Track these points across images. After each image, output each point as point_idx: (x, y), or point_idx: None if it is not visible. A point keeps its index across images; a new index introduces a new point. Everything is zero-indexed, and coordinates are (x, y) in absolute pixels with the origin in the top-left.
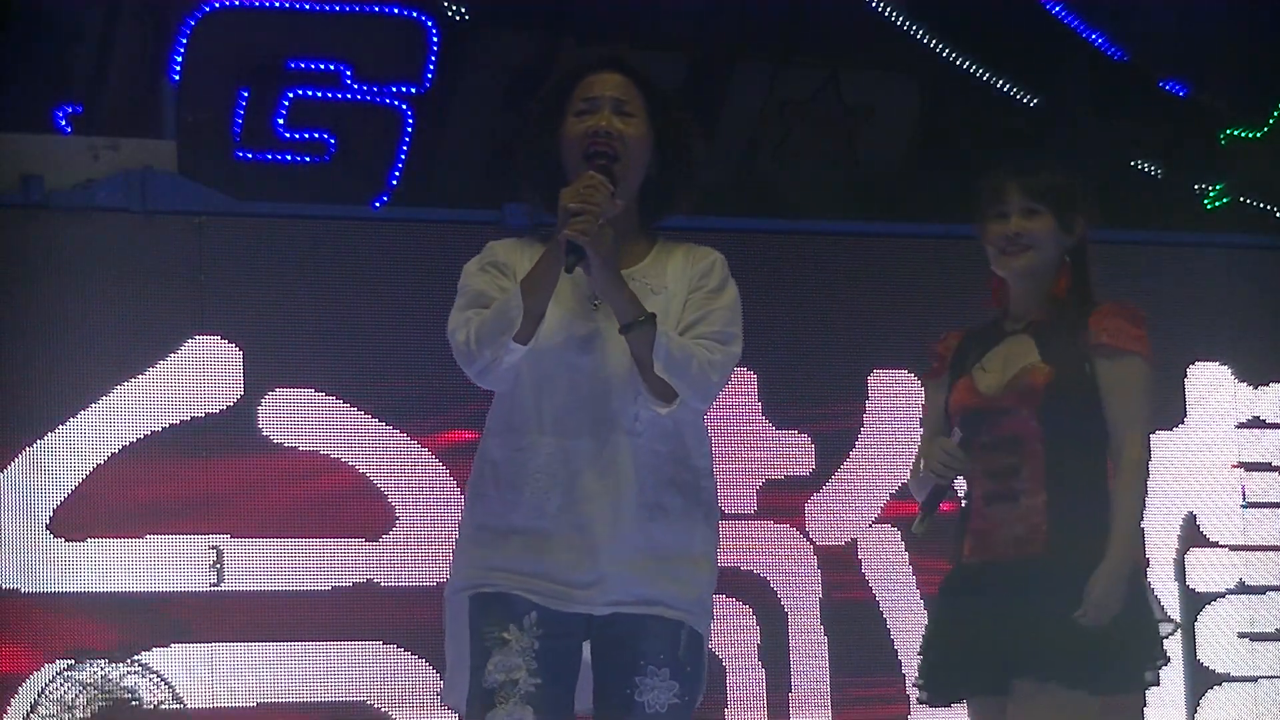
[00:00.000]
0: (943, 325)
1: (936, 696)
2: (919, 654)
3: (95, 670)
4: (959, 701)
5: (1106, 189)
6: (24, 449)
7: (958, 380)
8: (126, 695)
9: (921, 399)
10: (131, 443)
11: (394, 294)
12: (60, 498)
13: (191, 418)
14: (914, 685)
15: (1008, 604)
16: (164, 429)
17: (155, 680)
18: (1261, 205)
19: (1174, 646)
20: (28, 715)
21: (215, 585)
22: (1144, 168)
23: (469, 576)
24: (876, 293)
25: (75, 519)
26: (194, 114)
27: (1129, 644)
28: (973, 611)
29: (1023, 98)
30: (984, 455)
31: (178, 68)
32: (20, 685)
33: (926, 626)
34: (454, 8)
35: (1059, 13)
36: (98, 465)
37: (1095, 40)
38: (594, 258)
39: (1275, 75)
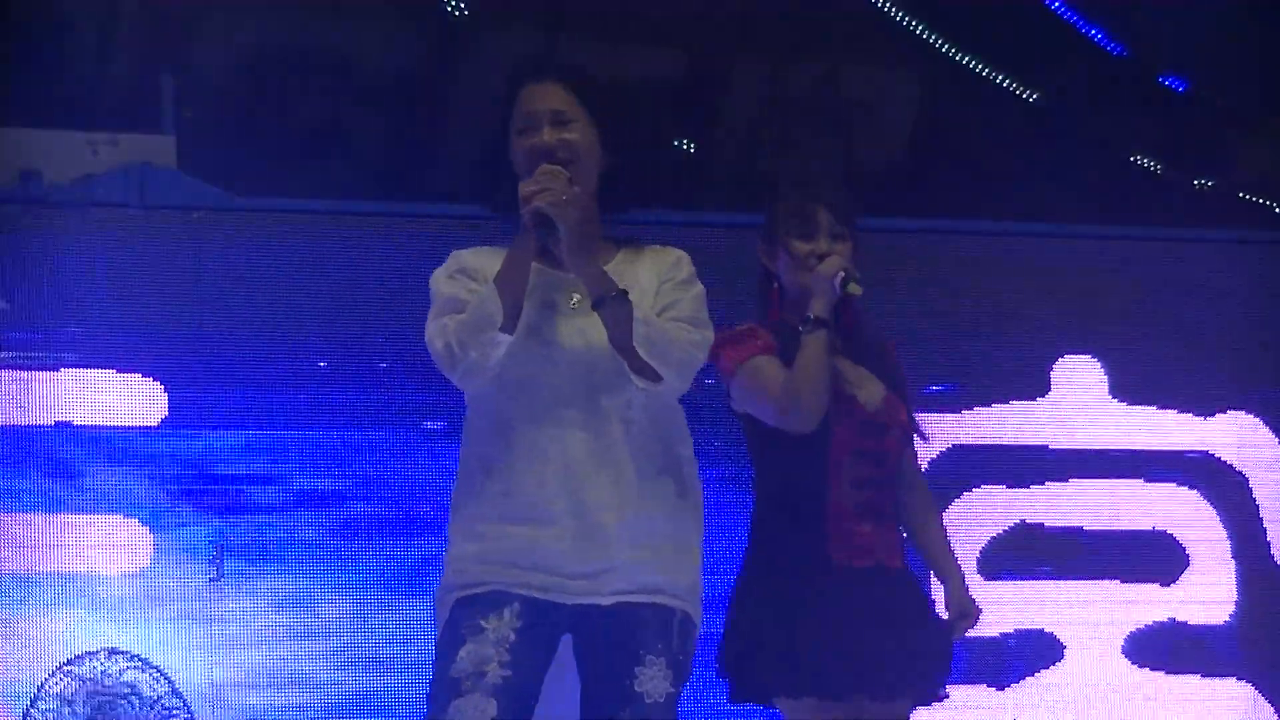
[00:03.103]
0: (939, 321)
1: (782, 692)
2: (765, 650)
3: (94, 665)
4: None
5: (1106, 184)
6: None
7: None
8: (125, 690)
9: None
10: (131, 438)
11: (393, 288)
12: (58, 490)
13: (191, 413)
14: (760, 680)
15: (896, 612)
16: (162, 423)
17: (154, 675)
18: (1262, 200)
19: None
20: (27, 711)
21: (215, 580)
22: (1143, 163)
23: (460, 576)
24: (875, 288)
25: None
26: (193, 109)
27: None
28: (862, 615)
29: (1022, 93)
30: (854, 467)
31: (177, 62)
32: (18, 681)
33: (776, 620)
34: (453, 2)
35: (1058, 8)
36: (97, 460)
37: (1095, 35)
38: (563, 227)
39: (1275, 70)
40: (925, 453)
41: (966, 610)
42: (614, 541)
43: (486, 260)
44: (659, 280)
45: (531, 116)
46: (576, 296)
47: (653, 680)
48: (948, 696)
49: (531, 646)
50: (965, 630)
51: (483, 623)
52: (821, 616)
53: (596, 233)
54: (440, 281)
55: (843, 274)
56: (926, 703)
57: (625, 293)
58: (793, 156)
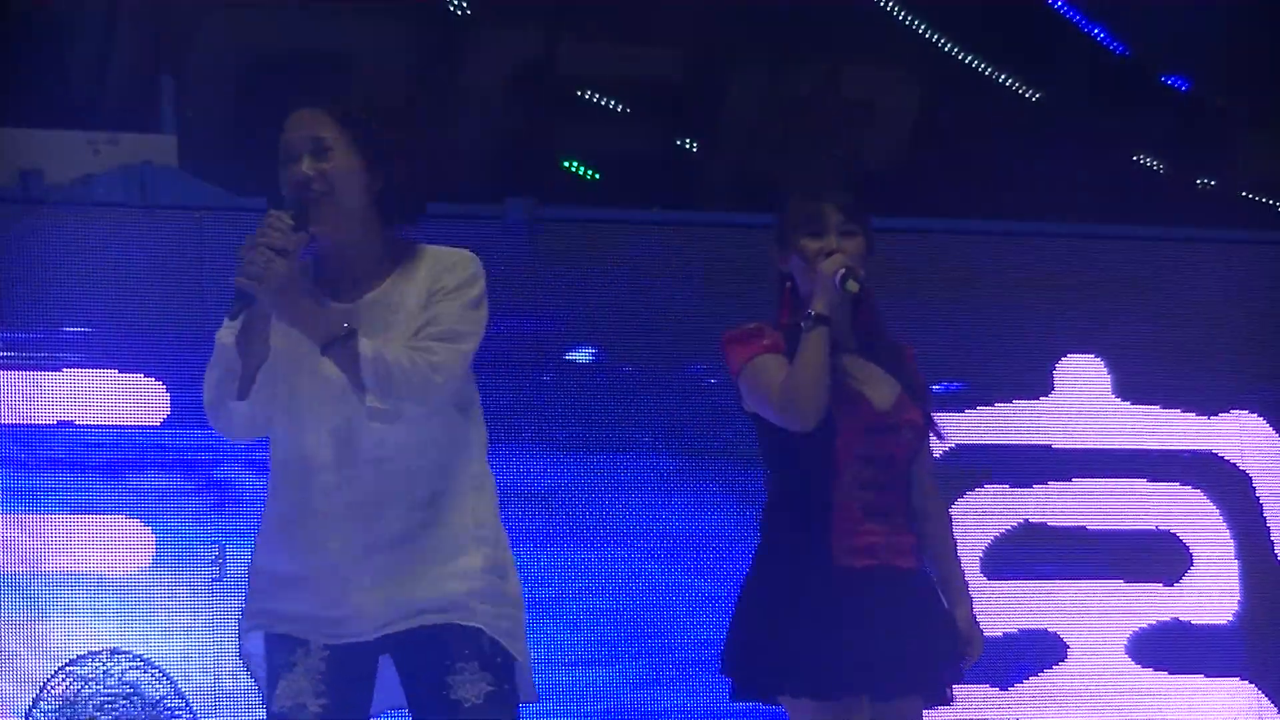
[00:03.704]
0: (942, 321)
1: (783, 691)
2: (773, 649)
3: (96, 665)
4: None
5: (1109, 184)
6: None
7: None
8: (128, 690)
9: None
10: (133, 438)
11: None
12: (60, 490)
13: (193, 413)
14: (761, 679)
15: (903, 613)
16: (164, 423)
17: (156, 675)
18: (1264, 200)
19: None
20: (29, 711)
21: (218, 580)
22: (1146, 163)
23: (249, 619)
24: (875, 286)
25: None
26: (194, 108)
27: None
28: (867, 616)
29: (1025, 93)
30: (859, 468)
31: (177, 62)
32: (21, 680)
33: (779, 619)
34: (455, 2)
35: (1060, 7)
36: (99, 460)
37: (1096, 34)
38: (263, 296)
39: (1277, 70)
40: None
41: (971, 637)
42: (353, 588)
43: None
44: (428, 294)
45: (291, 146)
46: (346, 327)
47: (465, 685)
48: (952, 699)
49: (344, 673)
50: (972, 660)
51: (291, 658)
52: (824, 616)
53: (375, 252)
54: (222, 330)
55: (842, 271)
56: (937, 703)
57: (353, 333)
58: (799, 155)
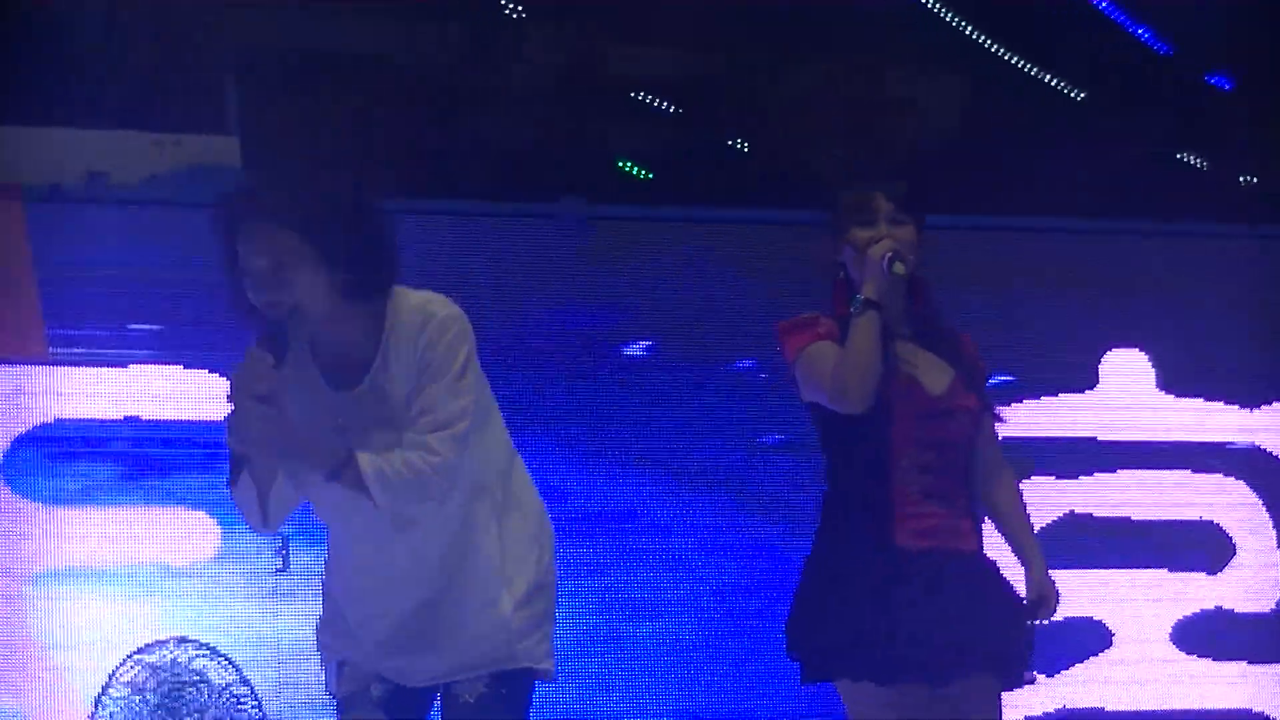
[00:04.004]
0: (989, 316)
1: (844, 674)
2: (825, 631)
3: (164, 653)
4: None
5: (1157, 181)
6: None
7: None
8: (194, 678)
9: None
10: (198, 432)
11: (448, 287)
12: (127, 483)
13: None
14: (825, 661)
15: (965, 596)
16: (225, 419)
17: (222, 663)
18: None
19: None
20: (98, 698)
21: (281, 571)
22: (1190, 160)
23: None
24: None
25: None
26: (256, 110)
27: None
28: (928, 599)
29: (1068, 90)
30: (916, 452)
31: (240, 62)
32: (89, 668)
33: (840, 603)
34: (510, 4)
35: (1103, 6)
36: (165, 454)
37: (1140, 34)
38: (258, 456)
39: None
40: None
41: (1045, 593)
42: (405, 652)
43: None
44: (418, 367)
45: (250, 266)
46: (340, 420)
47: (465, 682)
48: (1034, 680)
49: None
50: (1047, 615)
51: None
52: (884, 599)
53: (357, 327)
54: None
55: (889, 255)
56: (1010, 686)
57: (351, 456)
58: (848, 150)
